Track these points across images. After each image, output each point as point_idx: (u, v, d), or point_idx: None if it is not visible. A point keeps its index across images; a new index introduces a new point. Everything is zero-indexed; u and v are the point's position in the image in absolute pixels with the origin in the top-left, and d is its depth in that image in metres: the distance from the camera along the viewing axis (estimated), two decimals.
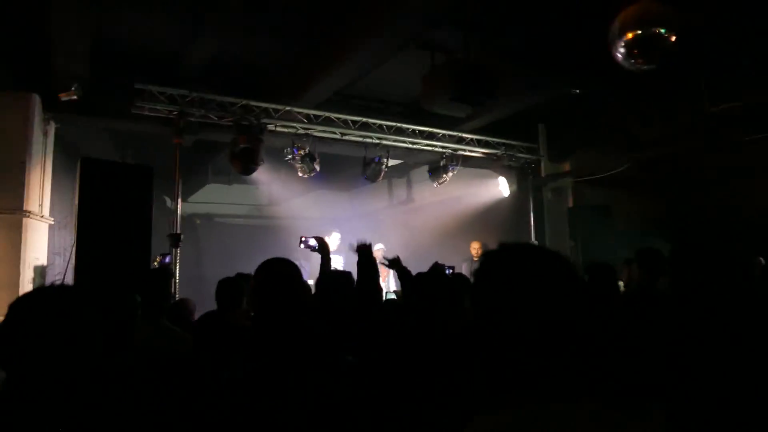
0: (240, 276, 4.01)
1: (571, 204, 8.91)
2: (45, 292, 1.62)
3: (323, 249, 3.51)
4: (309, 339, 1.55)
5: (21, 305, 1.56)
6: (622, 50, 4.40)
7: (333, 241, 8.19)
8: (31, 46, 5.82)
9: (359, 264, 3.12)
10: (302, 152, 7.19)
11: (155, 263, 5.93)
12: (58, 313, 1.52)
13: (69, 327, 1.53)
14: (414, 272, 3.31)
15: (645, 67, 4.51)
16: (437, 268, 4.01)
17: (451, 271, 4.43)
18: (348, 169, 9.90)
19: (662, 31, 4.31)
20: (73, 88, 5.82)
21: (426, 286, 2.77)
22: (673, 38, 4.32)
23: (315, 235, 3.77)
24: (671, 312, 2.13)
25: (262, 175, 8.31)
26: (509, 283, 0.96)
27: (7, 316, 1.52)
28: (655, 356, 1.74)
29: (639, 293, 3.59)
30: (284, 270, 1.73)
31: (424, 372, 1.55)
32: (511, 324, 0.93)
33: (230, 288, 3.56)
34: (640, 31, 4.30)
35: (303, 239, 3.79)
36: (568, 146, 8.86)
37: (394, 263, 3.76)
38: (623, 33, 4.33)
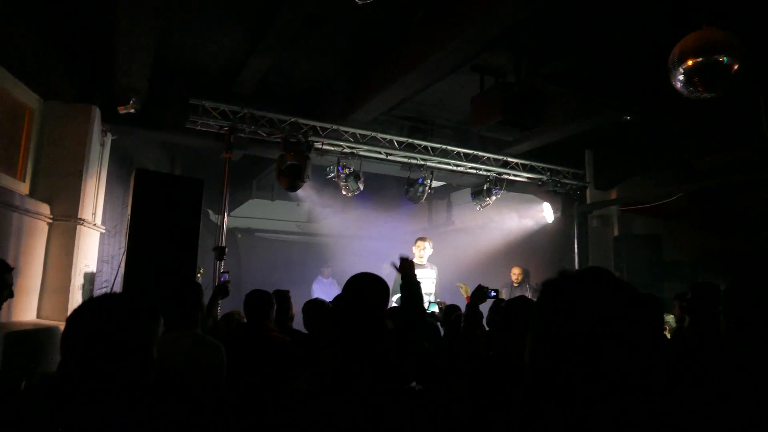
0: (278, 293, 4.05)
1: (617, 233, 8.69)
2: (104, 302, 1.61)
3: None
4: (380, 364, 1.51)
5: (80, 315, 1.56)
6: (681, 77, 4.29)
7: (422, 252, 6.75)
8: (93, 61, 6.05)
9: (403, 282, 2.95)
10: (347, 170, 7.24)
11: (199, 275, 6.02)
12: (118, 321, 1.53)
13: (127, 335, 1.53)
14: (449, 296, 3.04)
15: (705, 95, 4.38)
16: (481, 290, 3.88)
17: (495, 294, 4.31)
18: (390, 189, 9.92)
19: (724, 59, 4.20)
20: (131, 102, 6.01)
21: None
22: (736, 66, 4.20)
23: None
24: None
25: (304, 192, 8.41)
26: (598, 316, 0.88)
27: (68, 326, 1.53)
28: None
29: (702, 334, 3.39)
30: (372, 293, 1.68)
31: (493, 402, 1.49)
32: (594, 362, 0.86)
33: (260, 301, 3.59)
34: (701, 58, 4.19)
35: None
36: (616, 174, 8.68)
37: (404, 268, 2.83)
38: (683, 60, 4.22)
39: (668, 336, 4.78)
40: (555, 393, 0.87)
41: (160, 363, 1.60)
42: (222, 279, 5.68)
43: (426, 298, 5.48)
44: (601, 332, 0.86)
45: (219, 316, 4.41)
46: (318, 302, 4.02)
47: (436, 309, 5.38)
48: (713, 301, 3.99)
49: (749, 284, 2.04)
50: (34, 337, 4.86)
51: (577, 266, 8.42)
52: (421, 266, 6.19)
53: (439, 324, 5.10)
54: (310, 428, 1.41)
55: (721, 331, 2.05)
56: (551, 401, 0.89)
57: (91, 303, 1.60)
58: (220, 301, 4.20)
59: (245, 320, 3.72)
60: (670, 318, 5.57)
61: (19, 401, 1.60)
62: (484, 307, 3.98)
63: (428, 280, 6.41)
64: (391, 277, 2.24)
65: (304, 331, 3.96)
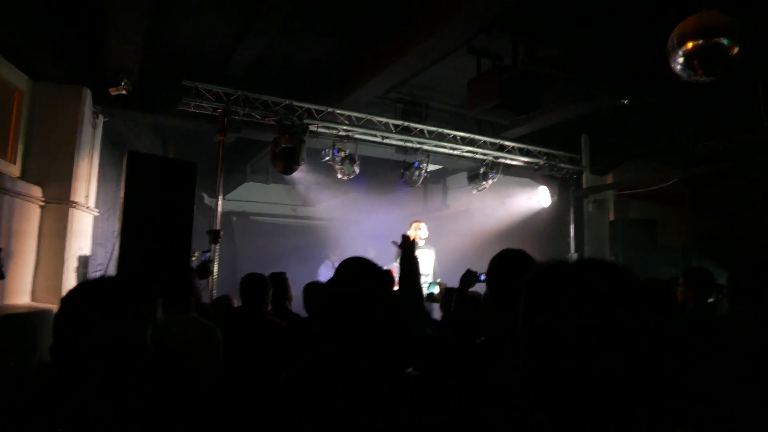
0: (274, 276, 4.04)
1: (612, 217, 8.70)
2: (98, 285, 1.59)
3: None
4: (375, 349, 1.49)
5: (74, 298, 1.54)
6: (680, 60, 4.24)
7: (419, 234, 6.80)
8: (84, 41, 5.94)
9: (402, 261, 2.97)
10: (342, 154, 7.19)
11: (194, 258, 5.98)
12: (112, 305, 1.51)
13: (121, 319, 1.51)
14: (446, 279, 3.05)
15: (704, 78, 4.34)
16: (470, 274, 3.86)
17: (484, 278, 4.27)
18: (386, 172, 9.88)
19: (725, 41, 4.15)
20: (122, 83, 5.92)
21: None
22: (736, 49, 4.15)
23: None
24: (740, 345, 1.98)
25: (299, 175, 8.35)
26: (600, 310, 0.81)
27: (61, 308, 1.51)
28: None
29: (696, 319, 3.40)
30: (363, 276, 1.66)
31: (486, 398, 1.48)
32: (599, 360, 0.80)
33: (256, 284, 3.58)
34: (701, 41, 4.15)
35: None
36: (612, 158, 8.65)
37: (405, 247, 2.95)
38: (683, 42, 4.18)
39: None
40: (549, 398, 0.82)
41: (157, 346, 1.58)
42: (202, 259, 5.63)
43: (423, 279, 5.49)
44: (598, 331, 0.80)
45: (211, 299, 4.39)
46: (318, 285, 4.01)
47: (436, 290, 5.38)
48: (707, 285, 4.02)
49: (756, 268, 2.05)
50: (28, 319, 4.84)
51: (572, 250, 8.44)
52: (418, 248, 6.21)
53: (439, 306, 5.10)
54: (304, 415, 1.39)
55: (723, 313, 2.06)
56: (545, 404, 0.84)
57: (83, 287, 1.58)
58: (208, 284, 4.18)
59: (235, 304, 3.71)
60: None
61: (9, 383, 1.58)
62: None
63: (425, 260, 6.43)
64: (379, 259, 2.24)
65: (305, 313, 3.96)
